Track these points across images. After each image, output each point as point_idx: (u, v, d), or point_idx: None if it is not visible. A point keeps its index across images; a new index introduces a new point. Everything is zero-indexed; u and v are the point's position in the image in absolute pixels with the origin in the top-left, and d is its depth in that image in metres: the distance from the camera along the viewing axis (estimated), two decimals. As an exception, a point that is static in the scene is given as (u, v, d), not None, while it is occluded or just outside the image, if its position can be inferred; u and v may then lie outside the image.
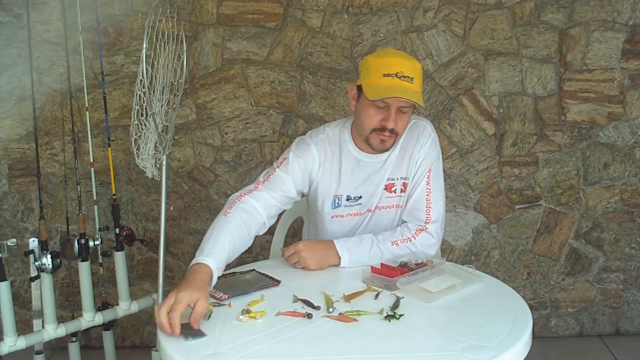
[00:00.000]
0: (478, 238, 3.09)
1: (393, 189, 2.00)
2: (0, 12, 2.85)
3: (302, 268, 1.89)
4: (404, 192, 2.01)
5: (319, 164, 1.98)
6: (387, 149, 1.94)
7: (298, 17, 2.91)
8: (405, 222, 2.00)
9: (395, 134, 1.89)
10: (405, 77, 1.81)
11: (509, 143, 3.00)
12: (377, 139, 1.89)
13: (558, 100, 2.97)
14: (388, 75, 1.81)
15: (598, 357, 2.98)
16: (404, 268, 1.77)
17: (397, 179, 2.00)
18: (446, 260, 1.86)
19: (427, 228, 1.95)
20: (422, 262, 1.81)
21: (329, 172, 1.99)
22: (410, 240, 1.93)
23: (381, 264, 1.79)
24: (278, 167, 1.97)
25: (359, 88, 1.90)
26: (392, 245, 1.91)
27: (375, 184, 2.00)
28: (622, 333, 3.17)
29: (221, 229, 1.76)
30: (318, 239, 2.07)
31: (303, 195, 2.07)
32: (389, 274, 1.73)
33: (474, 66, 2.95)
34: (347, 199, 2.01)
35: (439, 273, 1.76)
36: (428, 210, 1.96)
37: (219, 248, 1.69)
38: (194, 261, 1.63)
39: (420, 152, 1.98)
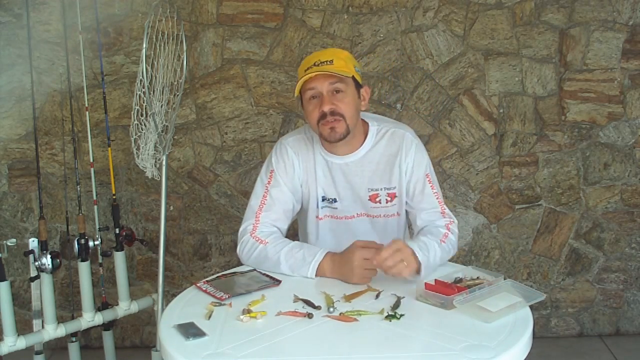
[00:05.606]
0: (478, 238, 3.09)
1: (377, 199, 2.00)
2: (0, 12, 2.85)
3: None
4: (392, 201, 1.99)
5: (299, 163, 2.01)
6: (341, 136, 1.87)
7: (298, 17, 2.91)
8: (426, 226, 1.96)
9: (341, 116, 1.86)
10: (322, 62, 1.84)
11: (509, 143, 3.00)
12: (326, 130, 1.87)
13: (558, 100, 2.97)
14: (308, 68, 1.85)
15: (598, 357, 2.97)
16: (459, 285, 1.67)
17: (381, 189, 1.99)
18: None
19: (452, 222, 1.95)
20: (477, 278, 1.71)
21: (306, 172, 2.01)
22: (447, 235, 1.90)
23: (435, 280, 1.67)
24: (268, 184, 1.99)
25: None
26: (441, 243, 1.86)
27: (352, 190, 1.99)
28: (622, 333, 3.16)
29: (280, 242, 1.89)
30: (307, 242, 2.06)
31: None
32: (445, 291, 1.61)
33: (474, 66, 2.94)
34: (323, 200, 2.02)
35: (497, 290, 1.64)
36: (442, 209, 1.97)
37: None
38: (316, 261, 1.80)
39: (407, 161, 1.96)
